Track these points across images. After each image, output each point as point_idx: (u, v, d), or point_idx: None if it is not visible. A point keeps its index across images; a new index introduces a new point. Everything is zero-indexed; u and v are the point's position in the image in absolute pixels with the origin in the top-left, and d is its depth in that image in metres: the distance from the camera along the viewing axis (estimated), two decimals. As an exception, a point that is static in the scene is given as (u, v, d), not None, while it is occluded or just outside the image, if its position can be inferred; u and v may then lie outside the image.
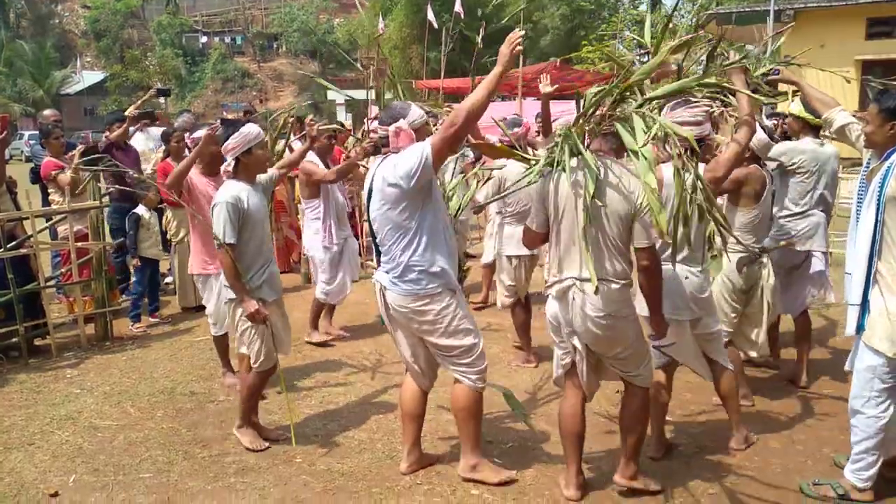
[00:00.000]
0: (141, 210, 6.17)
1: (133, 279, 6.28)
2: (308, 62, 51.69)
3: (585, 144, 3.04)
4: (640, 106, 3.00)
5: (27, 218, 5.40)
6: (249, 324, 3.64)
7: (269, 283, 3.73)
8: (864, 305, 3.06)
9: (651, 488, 3.30)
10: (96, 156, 6.12)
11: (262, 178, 3.90)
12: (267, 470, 3.56)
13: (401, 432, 3.63)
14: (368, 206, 3.30)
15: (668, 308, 3.25)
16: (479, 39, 6.21)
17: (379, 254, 3.30)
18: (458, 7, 17.73)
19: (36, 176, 6.55)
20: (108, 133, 6.85)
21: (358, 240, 8.07)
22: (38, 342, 5.55)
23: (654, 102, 3.13)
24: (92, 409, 4.39)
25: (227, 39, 52.43)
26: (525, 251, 4.83)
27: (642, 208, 2.92)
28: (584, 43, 29.89)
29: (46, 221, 5.85)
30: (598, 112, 3.06)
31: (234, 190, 3.61)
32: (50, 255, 6.69)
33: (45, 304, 5.53)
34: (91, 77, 46.57)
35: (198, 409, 4.37)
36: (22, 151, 26.70)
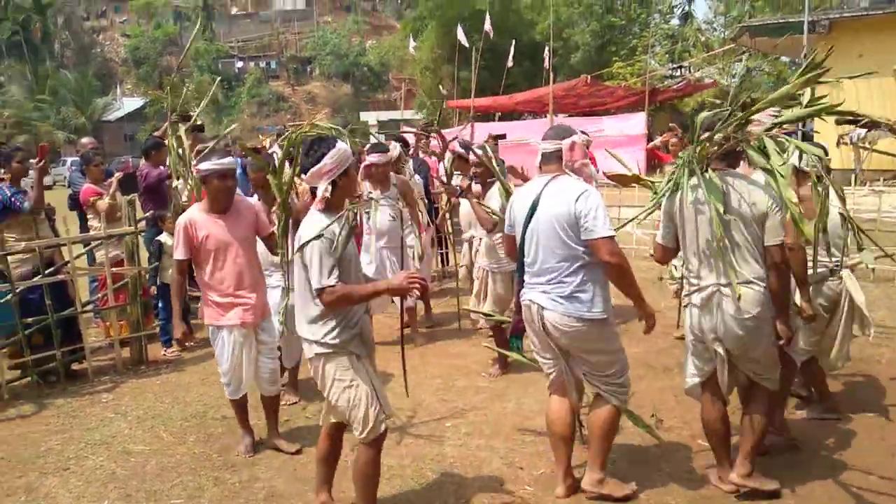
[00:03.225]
0: (164, 237, 6.21)
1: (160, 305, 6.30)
2: (341, 84, 52.44)
3: (706, 165, 3.22)
4: (769, 129, 3.20)
5: (65, 244, 5.50)
6: (349, 382, 3.02)
7: (361, 336, 3.09)
8: None
9: (766, 488, 3.31)
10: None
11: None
12: (296, 496, 3.53)
13: (553, 456, 3.52)
14: (527, 225, 3.32)
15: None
16: (510, 58, 6.24)
17: (522, 272, 3.38)
18: (487, 26, 17.79)
19: (74, 202, 6.68)
20: (144, 159, 6.89)
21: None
22: (75, 367, 5.63)
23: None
24: (125, 434, 4.43)
25: (262, 64, 53.49)
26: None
27: (772, 209, 3.12)
28: (614, 59, 29.69)
29: (84, 247, 5.95)
30: (717, 136, 3.22)
31: (323, 224, 2.98)
32: (87, 280, 6.80)
33: (83, 329, 5.62)
34: (131, 104, 47.85)
35: (228, 433, 4.38)
36: (65, 177, 27.38)
